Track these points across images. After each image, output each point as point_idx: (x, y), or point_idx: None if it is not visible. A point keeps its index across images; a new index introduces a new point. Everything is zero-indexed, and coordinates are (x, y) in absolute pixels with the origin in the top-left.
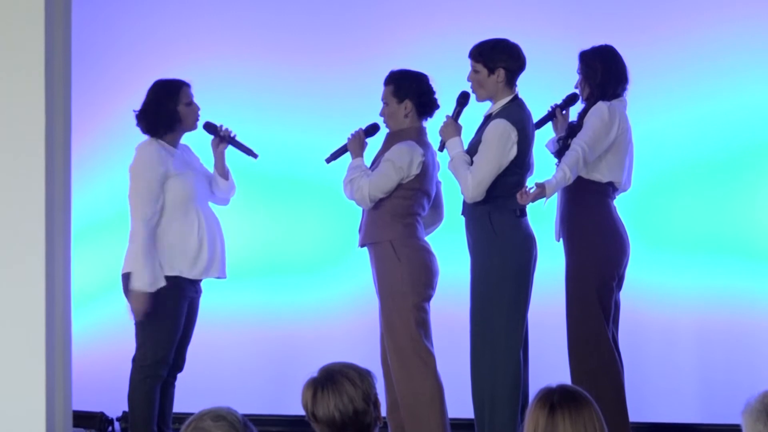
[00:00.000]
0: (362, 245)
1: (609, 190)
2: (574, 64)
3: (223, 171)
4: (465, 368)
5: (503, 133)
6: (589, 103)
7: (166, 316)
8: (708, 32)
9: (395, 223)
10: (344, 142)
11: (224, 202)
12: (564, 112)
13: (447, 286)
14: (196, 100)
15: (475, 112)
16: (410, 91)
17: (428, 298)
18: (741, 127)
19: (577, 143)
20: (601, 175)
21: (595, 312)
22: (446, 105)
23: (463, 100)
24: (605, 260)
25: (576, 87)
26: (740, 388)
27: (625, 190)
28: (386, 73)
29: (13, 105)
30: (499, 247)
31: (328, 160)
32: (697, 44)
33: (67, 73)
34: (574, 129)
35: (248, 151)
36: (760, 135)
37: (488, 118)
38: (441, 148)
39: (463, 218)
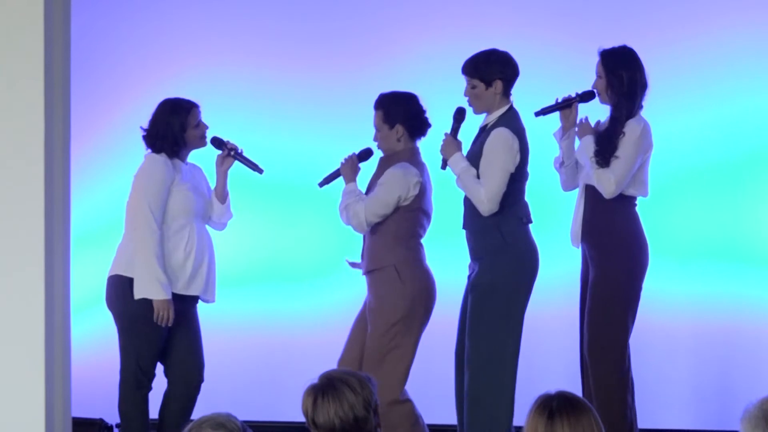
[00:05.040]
0: (368, 272)
1: (635, 200)
2: (574, 66)
3: (222, 193)
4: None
5: (506, 141)
6: (618, 111)
7: (147, 327)
8: (712, 36)
9: (399, 246)
10: (337, 166)
11: (219, 227)
12: (573, 106)
13: (446, 292)
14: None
15: (470, 124)
16: (400, 115)
17: (425, 325)
18: (742, 133)
19: (617, 176)
20: (634, 190)
21: (624, 323)
22: (445, 113)
23: (459, 116)
24: (638, 271)
25: (593, 87)
26: (737, 395)
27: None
28: (388, 80)
29: (13, 112)
30: (512, 257)
31: (321, 185)
32: (702, 49)
33: (66, 80)
34: (611, 137)
35: (254, 167)
36: (760, 141)
37: (484, 129)
38: (443, 167)
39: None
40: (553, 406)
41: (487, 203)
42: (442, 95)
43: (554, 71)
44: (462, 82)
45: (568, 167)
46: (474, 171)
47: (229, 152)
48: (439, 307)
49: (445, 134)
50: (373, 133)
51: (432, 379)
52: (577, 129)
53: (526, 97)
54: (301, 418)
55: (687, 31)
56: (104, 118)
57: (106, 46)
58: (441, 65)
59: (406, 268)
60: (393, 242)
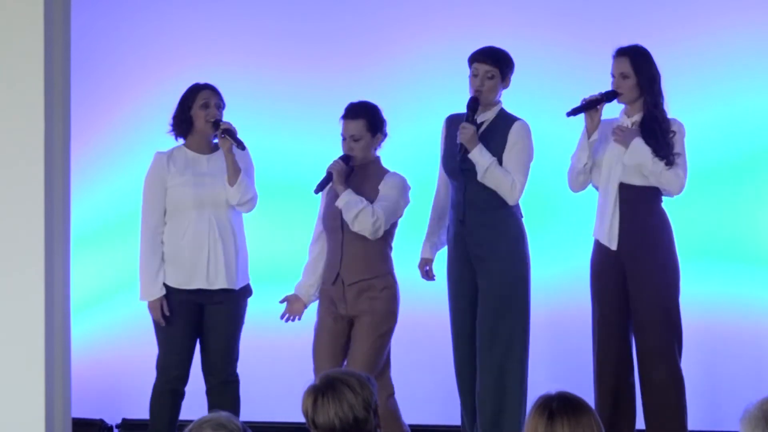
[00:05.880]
0: (364, 279)
1: None
2: (574, 66)
3: (230, 175)
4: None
5: (529, 134)
6: (658, 109)
7: (158, 326)
8: (712, 36)
9: (389, 254)
10: (324, 173)
11: (243, 209)
12: (598, 107)
13: (436, 291)
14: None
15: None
16: (381, 123)
17: None
18: (742, 133)
19: (685, 173)
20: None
21: (679, 321)
22: (445, 113)
23: (475, 105)
24: (678, 267)
25: (616, 87)
26: (739, 396)
27: None
28: (388, 80)
29: (13, 112)
30: (524, 247)
31: (317, 192)
32: (702, 49)
33: (66, 80)
34: (664, 135)
35: (238, 143)
36: (760, 141)
37: (481, 124)
38: (464, 155)
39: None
40: (553, 406)
41: (519, 194)
42: (443, 95)
43: (554, 71)
44: (460, 78)
45: (588, 168)
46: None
47: (222, 132)
48: (430, 308)
49: (467, 125)
50: (347, 143)
51: (423, 380)
52: (618, 135)
53: (525, 97)
54: (302, 419)
55: (687, 31)
56: (104, 118)
57: (106, 46)
58: (441, 65)
59: (394, 274)
60: (386, 250)
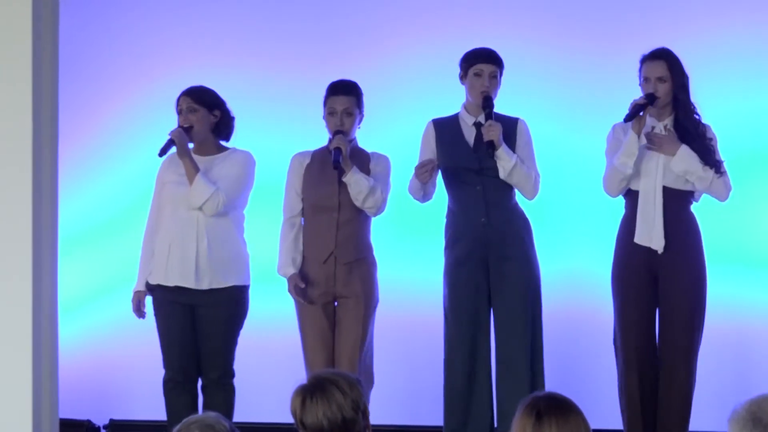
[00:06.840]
0: (358, 257)
1: None
2: (573, 67)
3: (187, 176)
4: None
5: (529, 130)
6: (695, 113)
7: (158, 322)
8: (712, 36)
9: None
10: (329, 147)
11: (205, 211)
12: (641, 113)
13: (425, 289)
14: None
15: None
16: (363, 104)
17: None
18: (742, 133)
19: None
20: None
21: (703, 324)
22: (444, 113)
23: (491, 103)
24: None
25: (654, 92)
26: (728, 396)
27: None
28: (388, 80)
29: (0, 115)
30: (532, 235)
31: (336, 166)
32: (701, 49)
33: (54, 81)
34: (703, 140)
35: (162, 148)
36: (760, 141)
37: (480, 125)
38: (492, 154)
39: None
40: (541, 406)
41: (539, 189)
42: (440, 95)
43: (552, 71)
44: (457, 77)
45: (632, 173)
46: None
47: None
48: (424, 308)
49: (493, 123)
50: (339, 119)
51: (405, 380)
52: (656, 142)
53: (523, 97)
54: (290, 419)
55: (686, 32)
56: (92, 119)
57: (94, 46)
58: (439, 65)
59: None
60: (370, 229)
